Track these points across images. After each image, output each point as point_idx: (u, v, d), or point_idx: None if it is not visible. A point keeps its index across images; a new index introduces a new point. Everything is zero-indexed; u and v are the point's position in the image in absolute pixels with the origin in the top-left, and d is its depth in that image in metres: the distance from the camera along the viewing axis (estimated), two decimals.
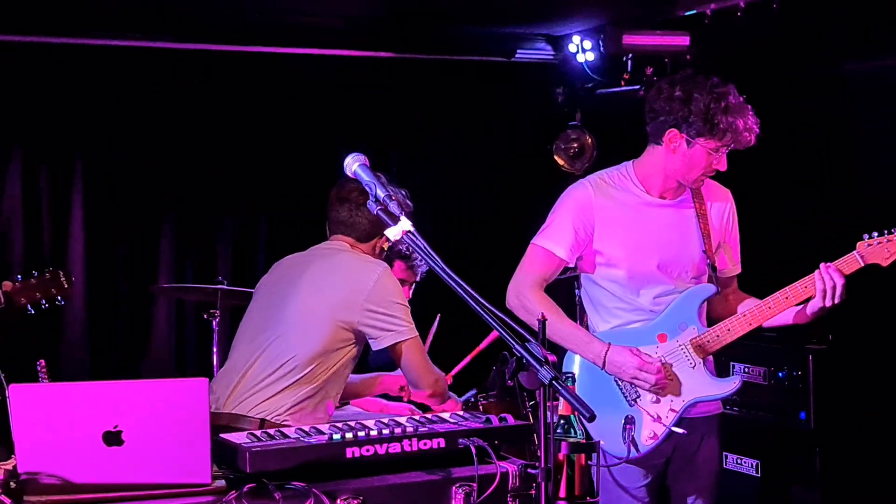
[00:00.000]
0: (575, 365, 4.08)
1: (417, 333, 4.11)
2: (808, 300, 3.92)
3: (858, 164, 5.85)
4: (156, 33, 6.22)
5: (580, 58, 6.96)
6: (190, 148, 6.50)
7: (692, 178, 4.01)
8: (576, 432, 2.99)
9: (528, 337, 2.86)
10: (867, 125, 5.71)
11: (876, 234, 3.87)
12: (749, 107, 3.93)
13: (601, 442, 3.91)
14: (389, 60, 6.84)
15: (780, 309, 3.96)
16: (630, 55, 6.63)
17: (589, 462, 2.99)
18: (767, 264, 4.75)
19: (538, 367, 2.79)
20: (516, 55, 7.13)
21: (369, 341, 4.09)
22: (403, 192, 4.36)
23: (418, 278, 5.54)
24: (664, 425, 3.93)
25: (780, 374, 5.44)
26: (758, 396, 5.50)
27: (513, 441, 3.31)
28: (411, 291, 5.56)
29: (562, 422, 3.00)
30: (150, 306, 6.46)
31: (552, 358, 2.85)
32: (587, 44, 6.90)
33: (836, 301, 3.86)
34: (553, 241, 4.06)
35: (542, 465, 2.78)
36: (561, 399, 3.02)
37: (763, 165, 5.90)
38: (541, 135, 7.19)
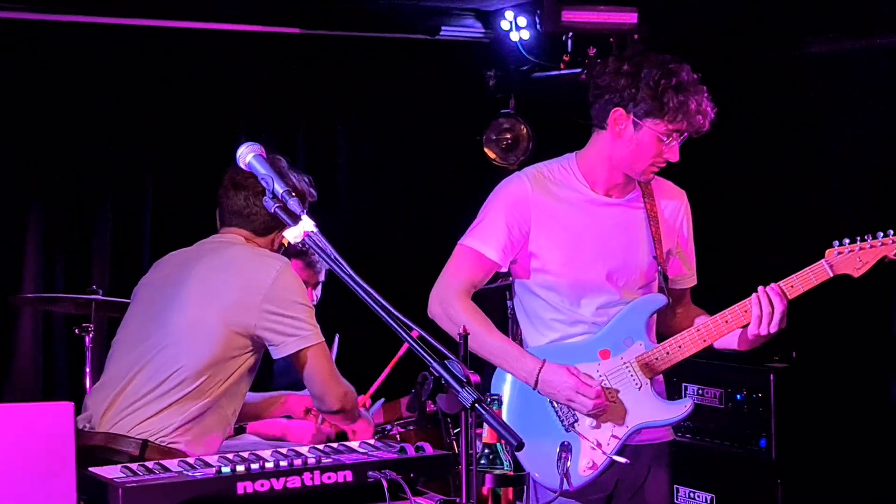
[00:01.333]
0: (506, 383, 4.07)
1: (323, 339, 4.07)
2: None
3: (823, 154, 5.92)
4: (25, 2, 6.13)
5: (514, 36, 6.99)
6: (60, 131, 6.37)
7: (640, 170, 4.00)
8: (502, 463, 2.98)
9: (447, 354, 2.85)
10: (831, 111, 5.79)
11: (847, 240, 3.88)
12: (704, 88, 3.93)
13: (536, 475, 3.92)
14: (296, 37, 6.81)
15: (737, 325, 3.98)
16: (570, 34, 6.66)
17: (518, 502, 2.99)
18: (728, 264, 4.80)
19: (458, 388, 2.78)
20: (441, 33, 7.15)
21: (269, 349, 4.05)
22: (307, 179, 4.34)
23: (321, 278, 5.52)
24: (604, 454, 3.92)
25: (738, 397, 5.49)
26: (713, 421, 5.55)
27: (431, 474, 3.28)
28: (316, 294, 5.53)
29: (487, 451, 2.99)
30: (12, 320, 6.34)
31: (475, 378, 2.84)
32: (522, 20, 6.93)
33: (773, 330, 3.88)
34: (483, 242, 4.03)
35: (464, 501, 2.77)
36: (486, 426, 3.02)
37: (721, 155, 5.97)
38: (469, 124, 7.20)
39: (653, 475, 4.12)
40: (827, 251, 3.89)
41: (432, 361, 2.84)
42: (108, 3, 6.29)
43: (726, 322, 3.97)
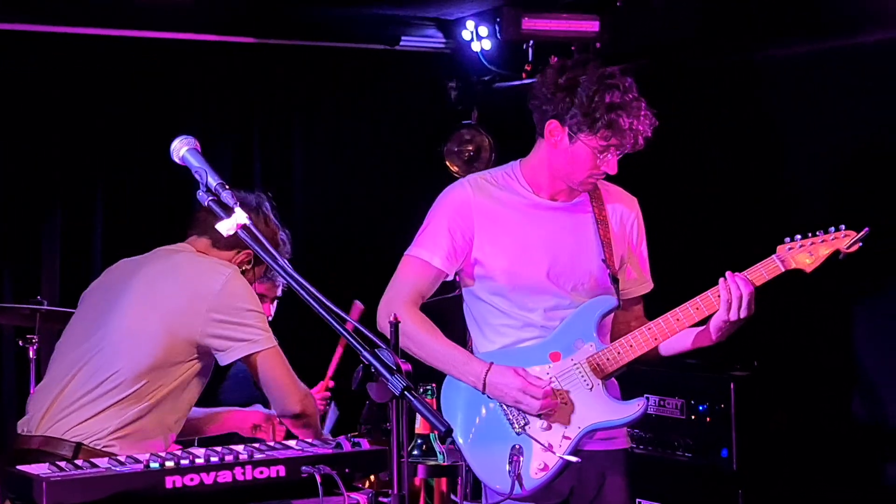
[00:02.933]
0: (456, 390, 4.09)
1: (277, 344, 4.08)
2: (704, 321, 3.98)
3: (782, 157, 5.98)
4: None
5: (475, 46, 7.03)
6: (6, 139, 6.36)
7: (577, 180, 4.04)
8: (436, 454, 3.01)
9: (378, 343, 2.88)
10: (790, 115, 5.85)
11: (799, 236, 3.91)
12: (642, 105, 3.94)
13: (488, 481, 3.94)
14: (252, 46, 6.85)
15: (689, 322, 4.01)
16: (531, 42, 6.70)
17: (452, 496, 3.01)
18: (682, 269, 4.83)
19: (388, 375, 2.80)
20: (401, 42, 7.17)
21: (216, 356, 4.04)
22: (286, 233, 4.38)
23: (279, 293, 5.53)
24: (556, 455, 3.94)
25: (701, 408, 5.51)
26: (674, 433, 5.57)
27: (367, 469, 3.31)
28: (273, 308, 5.55)
29: (419, 442, 3.01)
30: None
31: (406, 366, 2.86)
32: (483, 30, 6.97)
33: (744, 315, 3.90)
34: (427, 250, 4.08)
35: (395, 492, 2.78)
36: (418, 416, 3.05)
37: (677, 159, 6.02)
38: (431, 135, 7.23)
39: (610, 482, 4.13)
40: (778, 246, 3.93)
41: (363, 350, 2.87)
42: (59, 11, 6.30)
43: (678, 320, 3.99)
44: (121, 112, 6.56)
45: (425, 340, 4.00)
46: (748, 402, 5.40)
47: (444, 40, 7.28)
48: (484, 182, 4.14)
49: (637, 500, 5.65)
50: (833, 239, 3.91)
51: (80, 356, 4.07)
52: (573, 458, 3.94)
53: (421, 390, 2.92)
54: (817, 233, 3.91)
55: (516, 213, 4.09)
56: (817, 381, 5.59)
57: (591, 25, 6.51)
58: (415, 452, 3.01)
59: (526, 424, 3.98)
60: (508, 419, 4.00)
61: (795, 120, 5.82)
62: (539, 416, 3.96)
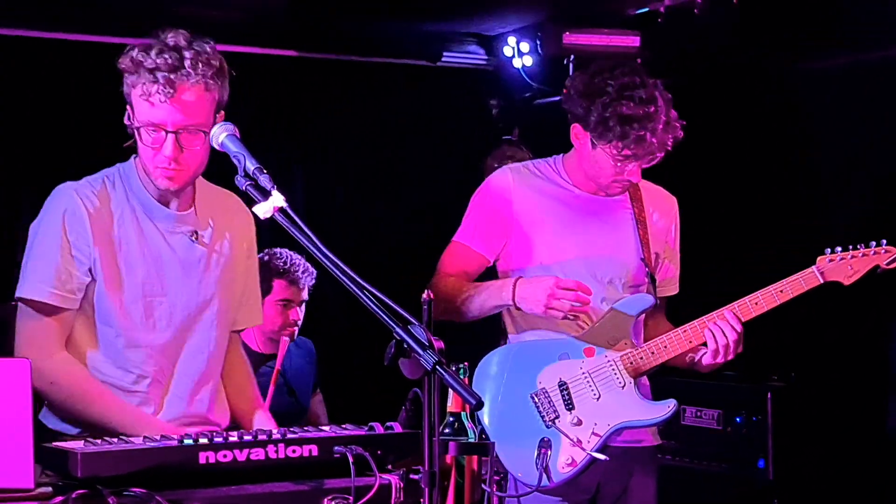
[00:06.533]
0: (488, 380, 4.08)
1: (36, 300, 3.60)
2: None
3: (817, 167, 5.98)
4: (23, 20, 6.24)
5: (517, 63, 7.06)
6: (62, 142, 6.38)
7: (603, 184, 4.07)
8: (467, 432, 3.01)
9: (411, 319, 2.89)
10: (825, 125, 5.85)
11: (839, 248, 3.92)
12: (661, 117, 3.92)
13: (517, 474, 3.93)
14: (294, 60, 6.91)
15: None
16: (572, 57, 6.73)
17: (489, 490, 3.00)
18: (719, 278, 4.84)
19: (420, 351, 2.81)
20: (443, 58, 7.21)
21: None
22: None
23: (305, 296, 5.53)
24: (585, 451, 3.94)
25: (738, 419, 5.50)
26: (711, 443, 5.55)
27: (400, 452, 3.30)
28: (301, 311, 5.54)
29: (451, 420, 3.02)
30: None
31: (439, 344, 2.87)
32: (525, 46, 7.01)
33: (731, 357, 3.94)
34: (468, 235, 4.14)
35: (426, 469, 2.79)
36: (451, 393, 3.06)
37: (718, 170, 6.03)
38: (471, 152, 7.23)
39: (637, 480, 4.14)
40: (818, 258, 3.94)
41: (395, 326, 2.88)
42: (102, 22, 6.38)
43: (714, 323, 4.00)
44: None
45: (456, 292, 4.05)
46: (785, 413, 5.39)
47: (485, 57, 7.31)
48: (526, 171, 4.19)
49: None
50: (874, 254, 3.91)
51: None
52: (601, 456, 3.92)
53: (454, 368, 2.92)
54: (858, 246, 3.92)
55: (556, 204, 4.12)
56: (854, 393, 5.56)
57: (633, 41, 6.53)
58: (446, 430, 3.01)
59: (556, 418, 3.98)
60: (539, 411, 4.00)
61: (831, 130, 5.82)
62: (569, 409, 3.94)
